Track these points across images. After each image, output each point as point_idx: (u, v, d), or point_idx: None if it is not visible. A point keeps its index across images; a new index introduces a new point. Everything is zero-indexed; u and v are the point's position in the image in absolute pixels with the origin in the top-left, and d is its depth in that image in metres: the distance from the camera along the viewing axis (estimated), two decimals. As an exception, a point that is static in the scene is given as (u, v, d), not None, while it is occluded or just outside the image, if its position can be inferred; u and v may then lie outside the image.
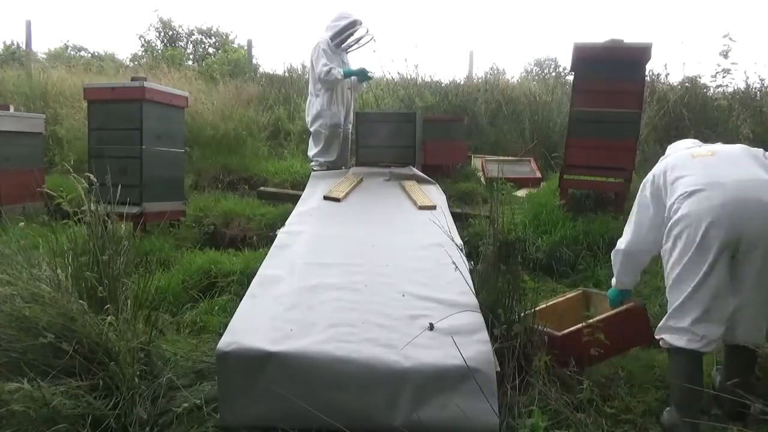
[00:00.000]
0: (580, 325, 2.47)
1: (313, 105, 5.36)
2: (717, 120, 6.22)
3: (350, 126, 5.68)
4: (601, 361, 2.51)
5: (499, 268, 2.56)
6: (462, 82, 9.14)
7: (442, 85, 8.80)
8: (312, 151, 5.54)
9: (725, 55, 6.34)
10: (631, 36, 10.69)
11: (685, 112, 6.36)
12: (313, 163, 5.55)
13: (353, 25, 5.22)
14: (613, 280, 2.67)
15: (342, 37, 5.21)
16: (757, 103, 6.23)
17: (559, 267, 3.85)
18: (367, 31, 5.35)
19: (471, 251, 3.66)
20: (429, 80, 8.93)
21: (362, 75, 5.37)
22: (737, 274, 2.08)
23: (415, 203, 4.15)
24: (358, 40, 5.38)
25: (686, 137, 6.43)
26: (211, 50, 14.58)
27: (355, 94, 5.75)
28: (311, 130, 5.49)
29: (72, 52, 13.26)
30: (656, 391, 2.45)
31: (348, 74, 5.18)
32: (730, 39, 6.24)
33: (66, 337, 1.99)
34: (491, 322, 2.41)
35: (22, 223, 2.71)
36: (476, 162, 6.58)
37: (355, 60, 5.63)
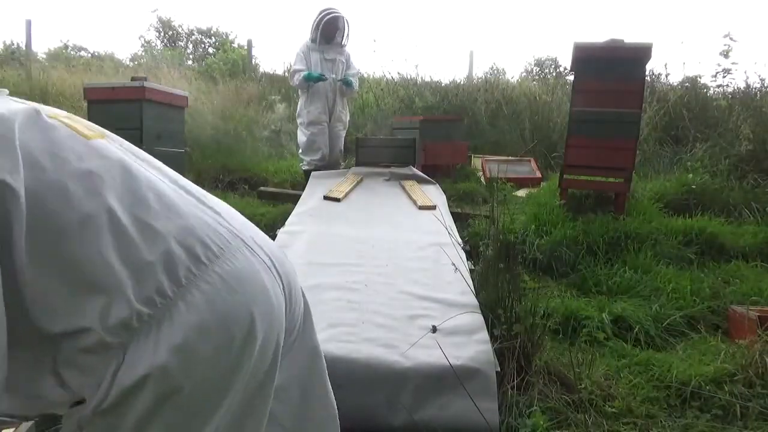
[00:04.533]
0: None
1: (298, 104, 5.51)
2: (717, 120, 6.23)
3: (340, 125, 5.65)
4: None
5: (499, 268, 2.56)
6: (462, 82, 9.15)
7: (442, 85, 8.81)
8: (300, 150, 5.64)
9: (726, 54, 6.35)
10: (631, 36, 10.70)
11: (685, 112, 6.37)
12: (302, 163, 5.58)
13: (324, 16, 5.15)
14: None
15: (318, 32, 5.17)
16: (757, 103, 6.23)
17: (559, 267, 3.84)
18: (339, 17, 5.20)
19: (471, 251, 3.66)
20: (429, 80, 8.94)
21: (314, 78, 5.18)
22: None
23: (415, 203, 4.15)
24: (337, 29, 5.24)
25: (686, 137, 6.48)
26: (211, 50, 14.59)
27: (345, 98, 5.67)
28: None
29: (72, 52, 13.25)
30: (656, 390, 2.45)
31: (307, 78, 5.17)
32: (731, 39, 6.26)
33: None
34: (491, 322, 2.41)
35: (22, 223, 2.70)
36: (476, 162, 6.58)
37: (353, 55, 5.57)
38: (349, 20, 5.30)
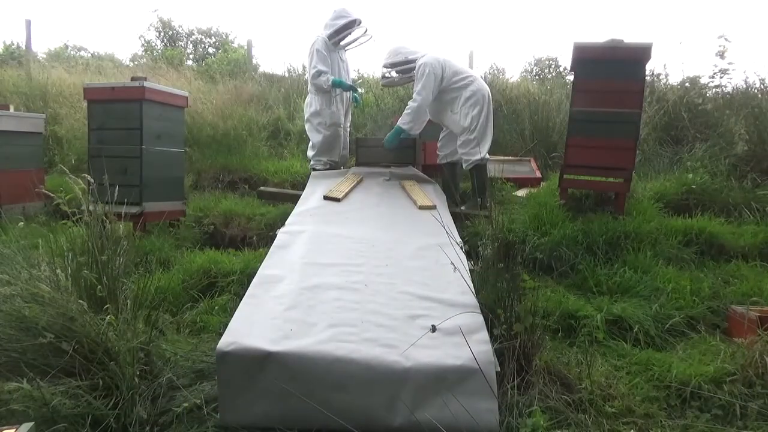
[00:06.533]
0: None
1: (312, 103, 5.32)
2: (717, 120, 6.22)
3: (349, 125, 5.69)
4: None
5: (499, 268, 2.56)
6: (462, 82, 9.10)
7: (442, 85, 8.77)
8: (311, 151, 5.45)
9: (721, 55, 6.36)
10: (631, 36, 10.69)
11: (684, 113, 6.37)
12: (312, 163, 5.50)
13: (352, 24, 5.21)
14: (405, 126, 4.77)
15: (340, 35, 5.19)
16: (756, 103, 6.22)
17: (559, 267, 3.85)
18: (366, 31, 5.34)
19: (471, 251, 3.66)
20: (429, 80, 8.90)
21: (346, 87, 5.29)
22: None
23: (415, 203, 4.15)
24: (356, 39, 5.38)
25: (686, 137, 6.48)
26: (211, 50, 14.58)
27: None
28: (307, 127, 5.45)
29: (72, 52, 13.24)
30: (656, 390, 2.45)
31: (336, 85, 5.14)
32: (725, 39, 6.27)
33: (66, 337, 1.99)
34: (491, 322, 2.41)
35: (22, 223, 2.71)
36: (476, 162, 6.56)
37: (353, 59, 5.63)
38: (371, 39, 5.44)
